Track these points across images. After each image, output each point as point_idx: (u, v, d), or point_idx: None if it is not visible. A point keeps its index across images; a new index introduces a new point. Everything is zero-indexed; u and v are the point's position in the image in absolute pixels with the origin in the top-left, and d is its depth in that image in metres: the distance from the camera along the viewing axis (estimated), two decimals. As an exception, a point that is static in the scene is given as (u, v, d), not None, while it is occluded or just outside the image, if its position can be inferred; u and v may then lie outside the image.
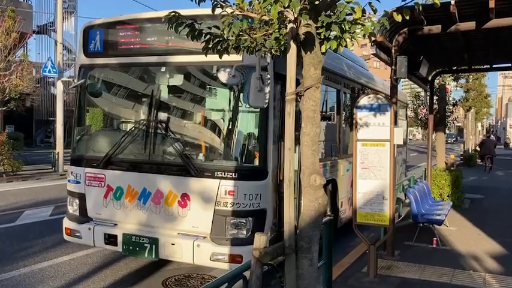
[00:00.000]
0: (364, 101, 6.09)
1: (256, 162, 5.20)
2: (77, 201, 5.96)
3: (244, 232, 5.04)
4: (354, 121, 6.12)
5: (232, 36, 3.21)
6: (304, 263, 3.21)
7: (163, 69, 5.73)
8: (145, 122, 5.73)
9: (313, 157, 3.26)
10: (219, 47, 3.37)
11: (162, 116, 5.69)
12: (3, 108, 18.24)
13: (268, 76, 4.81)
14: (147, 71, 6.00)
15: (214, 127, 5.76)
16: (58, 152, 18.01)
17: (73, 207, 6.03)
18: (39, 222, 9.11)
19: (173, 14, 3.33)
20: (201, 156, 5.52)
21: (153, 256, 5.36)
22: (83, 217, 5.89)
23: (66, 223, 6.05)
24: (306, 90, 3.21)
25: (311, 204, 3.23)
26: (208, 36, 3.37)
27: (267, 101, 4.68)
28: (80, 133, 6.40)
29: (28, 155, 20.15)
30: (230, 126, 5.45)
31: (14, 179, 15.92)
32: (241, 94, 5.20)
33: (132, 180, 5.58)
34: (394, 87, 7.31)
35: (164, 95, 5.87)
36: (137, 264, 6.41)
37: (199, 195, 5.18)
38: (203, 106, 5.88)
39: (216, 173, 5.13)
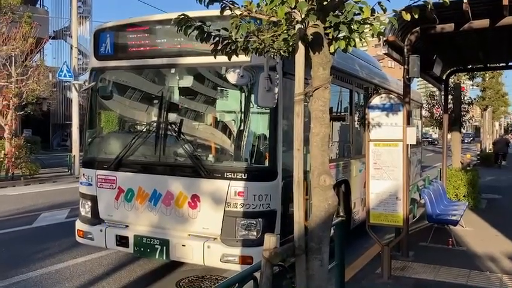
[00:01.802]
0: (376, 100, 6.06)
1: (266, 163, 5.17)
2: (89, 203, 6.01)
3: (255, 233, 5.02)
4: (366, 121, 6.08)
5: (240, 37, 3.23)
6: (315, 264, 3.20)
7: (172, 70, 5.75)
8: (155, 124, 5.76)
9: (323, 157, 3.25)
10: (228, 49, 3.38)
11: (172, 117, 5.72)
12: (21, 113, 18.52)
13: (277, 76, 4.79)
14: (157, 73, 6.03)
15: (223, 128, 5.77)
16: (74, 155, 18.26)
17: (85, 209, 6.08)
18: (55, 225, 9.25)
19: (182, 16, 3.36)
20: (210, 157, 5.54)
21: (164, 257, 5.39)
22: (95, 219, 5.94)
23: (79, 225, 6.10)
24: (314, 91, 3.21)
25: (321, 204, 3.22)
26: (217, 39, 3.39)
27: (275, 101, 4.64)
28: (91, 135, 6.46)
29: (45, 158, 20.45)
30: (239, 127, 5.44)
31: (32, 182, 16.17)
32: (251, 95, 5.19)
33: (143, 182, 5.61)
34: (407, 87, 7.25)
35: (173, 96, 5.89)
36: (151, 266, 6.46)
37: (209, 197, 5.20)
38: (212, 107, 5.88)
39: (225, 174, 5.13)
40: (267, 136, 5.20)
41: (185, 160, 5.48)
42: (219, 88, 5.76)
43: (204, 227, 5.23)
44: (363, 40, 3.30)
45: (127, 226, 5.73)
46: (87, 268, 6.41)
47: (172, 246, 5.30)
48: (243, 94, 5.37)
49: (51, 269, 6.35)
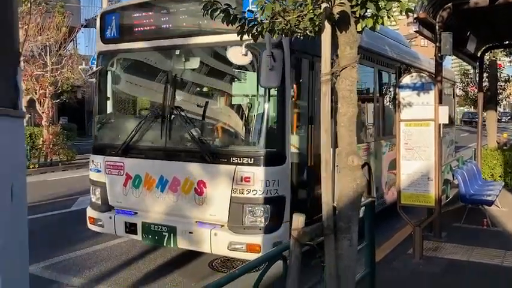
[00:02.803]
0: (406, 80, 5.98)
1: (273, 147, 4.97)
2: (99, 190, 5.96)
3: (263, 220, 4.86)
4: (397, 101, 6.00)
5: (266, 19, 3.23)
6: (344, 244, 3.22)
7: (177, 52, 5.56)
8: (160, 108, 5.63)
9: (350, 138, 3.24)
10: (253, 31, 3.39)
11: (176, 101, 5.58)
12: (57, 101, 19.03)
13: (283, 53, 4.56)
14: (162, 55, 5.85)
15: (229, 111, 5.60)
16: (108, 141, 18.66)
17: (95, 196, 6.03)
18: (92, 208, 9.55)
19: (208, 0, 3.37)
20: (216, 142, 5.41)
21: (172, 245, 5.31)
22: (105, 206, 5.89)
23: (90, 212, 6.07)
24: (341, 70, 3.19)
25: (349, 185, 3.23)
26: (243, 21, 3.40)
27: (279, 80, 4.39)
28: (100, 121, 6.36)
29: (81, 145, 21.01)
30: (246, 109, 5.28)
31: (69, 167, 16.70)
32: (257, 75, 4.96)
33: (150, 167, 5.51)
34: (438, 65, 7.08)
35: (178, 79, 5.72)
36: (184, 247, 6.62)
37: (216, 182, 5.05)
38: (218, 89, 5.75)
39: (231, 158, 4.96)
40: (275, 118, 4.99)
41: (191, 145, 5.35)
42: (224, 69, 5.56)
43: (211, 214, 5.10)
44: (391, 18, 3.24)
45: (136, 213, 5.67)
46: (124, 249, 6.62)
47: (180, 233, 5.20)
48: (249, 74, 5.18)
49: (89, 250, 6.60)
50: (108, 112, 6.44)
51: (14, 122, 1.33)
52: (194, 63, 5.64)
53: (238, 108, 5.47)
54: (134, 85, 6.40)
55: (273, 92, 4.89)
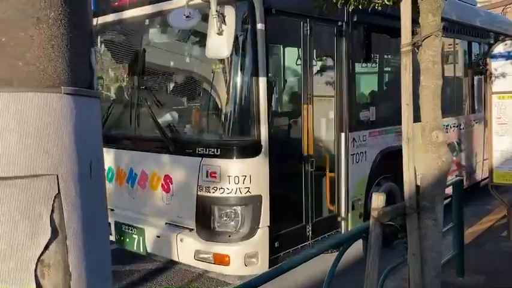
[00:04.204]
0: (499, 48, 5.55)
1: (245, 134, 4.08)
2: None
3: (233, 225, 3.99)
4: (488, 72, 5.57)
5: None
6: (428, 223, 3.05)
7: (146, 22, 4.75)
8: (125, 90, 5.02)
9: (435, 112, 3.04)
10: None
11: (141, 82, 4.80)
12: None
13: (252, 12, 3.85)
14: (129, 29, 5.03)
15: (194, 90, 4.66)
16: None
17: None
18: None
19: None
20: (180, 128, 4.61)
21: (141, 250, 4.49)
22: None
23: None
24: (424, 40, 2.98)
25: (433, 162, 3.04)
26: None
27: (230, 48, 3.51)
28: None
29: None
30: (212, 88, 4.40)
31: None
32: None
33: (120, 159, 4.79)
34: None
35: (145, 55, 4.84)
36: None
37: (181, 178, 4.29)
38: (181, 65, 4.97)
39: (197, 149, 4.10)
40: (247, 98, 4.03)
41: (156, 133, 4.53)
42: (191, 41, 4.64)
43: (179, 215, 4.30)
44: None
45: (112, 210, 4.81)
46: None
47: (148, 236, 4.43)
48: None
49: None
50: None
51: (90, 101, 1.38)
52: (159, 36, 4.79)
53: (205, 87, 4.57)
54: (108, 65, 5.60)
55: (246, 65, 3.99)
